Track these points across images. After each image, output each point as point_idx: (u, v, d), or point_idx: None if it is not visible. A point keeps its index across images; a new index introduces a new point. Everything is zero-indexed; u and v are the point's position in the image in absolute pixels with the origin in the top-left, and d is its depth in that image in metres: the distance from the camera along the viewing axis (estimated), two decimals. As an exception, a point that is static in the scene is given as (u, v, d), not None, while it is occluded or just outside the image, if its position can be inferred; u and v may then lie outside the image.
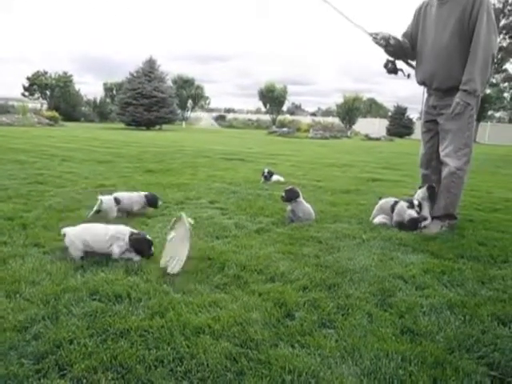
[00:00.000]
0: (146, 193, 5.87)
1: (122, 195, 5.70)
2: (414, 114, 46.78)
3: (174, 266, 3.67)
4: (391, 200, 5.71)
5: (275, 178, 8.75)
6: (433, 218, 5.52)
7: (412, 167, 12.45)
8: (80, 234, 4.01)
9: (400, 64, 5.73)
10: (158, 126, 37.71)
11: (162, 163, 11.37)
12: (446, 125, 5.35)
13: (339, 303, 3.25)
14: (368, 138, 35.24)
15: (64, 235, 4.04)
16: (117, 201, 5.51)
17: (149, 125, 36.55)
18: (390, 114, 49.25)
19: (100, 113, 51.18)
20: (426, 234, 5.17)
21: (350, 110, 45.52)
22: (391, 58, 5.67)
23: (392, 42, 5.48)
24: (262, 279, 3.66)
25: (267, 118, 52.61)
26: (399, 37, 5.66)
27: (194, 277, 3.62)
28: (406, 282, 3.76)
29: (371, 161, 14.50)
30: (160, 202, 5.88)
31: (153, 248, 4.03)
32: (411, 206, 5.42)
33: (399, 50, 5.61)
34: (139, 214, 5.73)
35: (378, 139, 34.63)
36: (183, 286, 3.45)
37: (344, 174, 10.68)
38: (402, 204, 5.49)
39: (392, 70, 5.69)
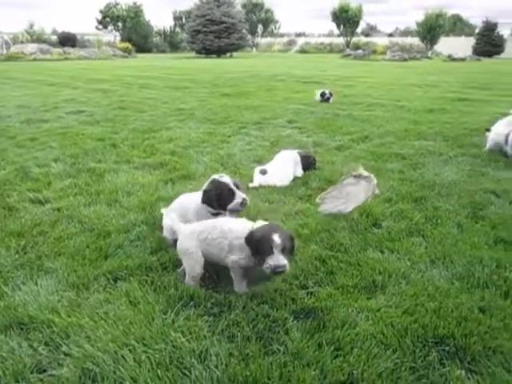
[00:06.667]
0: None
1: None
2: (506, 30, 42.04)
3: (347, 207, 3.30)
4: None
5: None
6: None
7: (505, 86, 11.47)
8: None
9: None
10: (228, 54, 37.18)
11: (236, 87, 11.32)
12: None
13: (427, 214, 3.19)
14: (451, 58, 32.41)
15: None
16: None
17: (219, 52, 36.14)
18: (477, 30, 44.56)
19: (171, 43, 51.22)
20: None
21: (432, 29, 41.78)
22: None
23: None
24: (346, 192, 3.65)
25: (340, 40, 49.75)
26: None
27: (278, 189, 3.69)
28: (498, 196, 3.59)
29: (456, 81, 13.43)
30: None
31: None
32: None
33: None
34: (220, 133, 5.86)
35: (462, 59, 31.78)
36: (268, 197, 3.54)
37: (426, 95, 10.04)
38: None
39: None
